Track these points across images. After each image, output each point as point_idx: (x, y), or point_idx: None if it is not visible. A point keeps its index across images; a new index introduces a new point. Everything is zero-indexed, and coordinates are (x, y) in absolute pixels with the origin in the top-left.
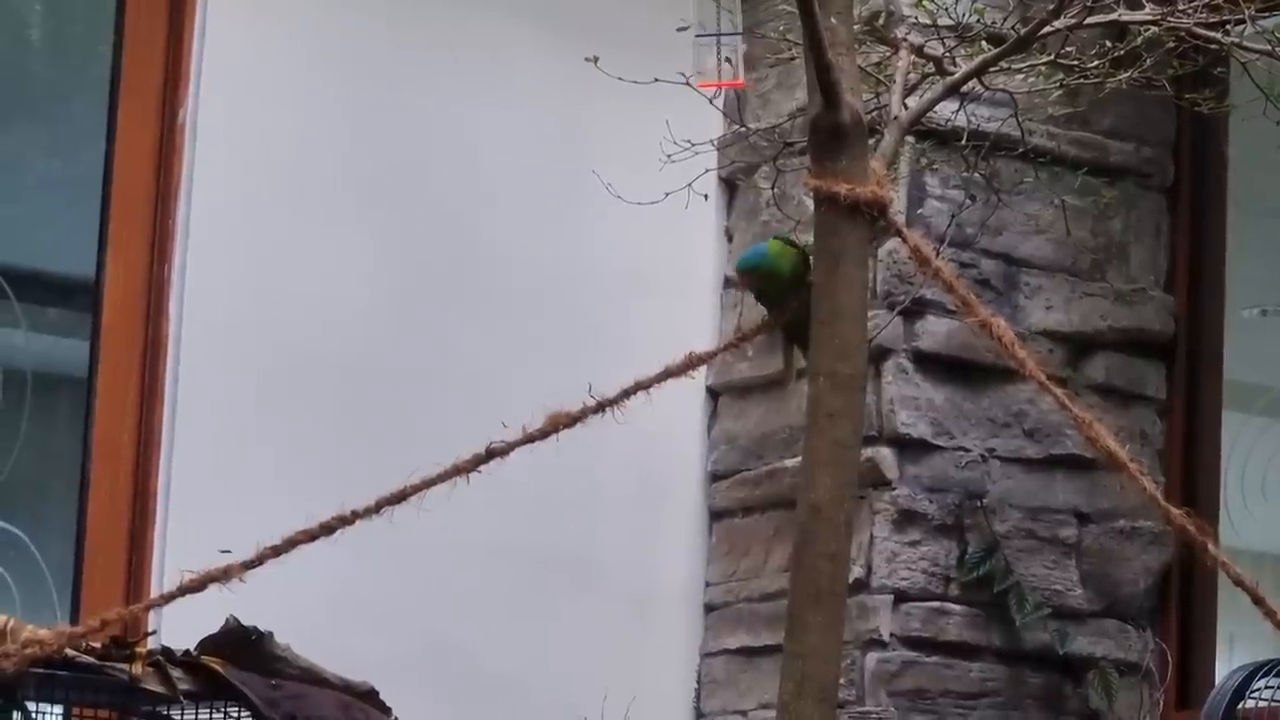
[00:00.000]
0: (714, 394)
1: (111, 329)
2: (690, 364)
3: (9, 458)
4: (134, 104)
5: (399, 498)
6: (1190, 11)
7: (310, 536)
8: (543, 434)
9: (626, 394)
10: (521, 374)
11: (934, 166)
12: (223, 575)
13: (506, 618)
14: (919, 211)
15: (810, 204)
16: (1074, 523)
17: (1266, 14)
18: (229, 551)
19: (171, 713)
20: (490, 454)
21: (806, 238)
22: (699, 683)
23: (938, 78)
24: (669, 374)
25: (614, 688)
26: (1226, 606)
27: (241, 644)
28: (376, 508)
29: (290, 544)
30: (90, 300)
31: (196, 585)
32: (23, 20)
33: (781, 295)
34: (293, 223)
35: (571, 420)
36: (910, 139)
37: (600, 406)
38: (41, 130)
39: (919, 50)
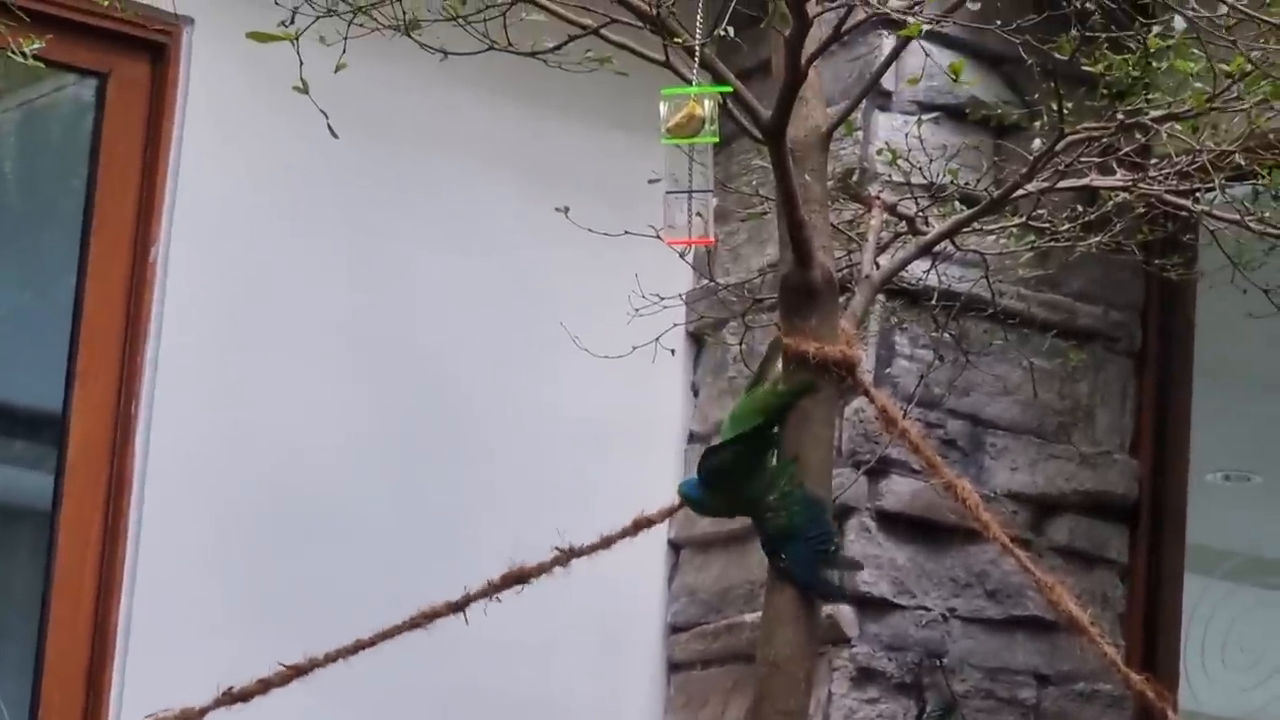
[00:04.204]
0: (675, 547)
1: (77, 464)
2: (655, 519)
3: None
4: (105, 239)
5: (366, 644)
6: (1161, 179)
7: (268, 686)
8: (507, 584)
9: (592, 548)
10: (488, 518)
11: (903, 325)
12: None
13: None
14: (887, 370)
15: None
16: (1034, 684)
17: (1236, 183)
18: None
19: None
20: (456, 606)
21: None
22: None
23: (910, 236)
24: (636, 528)
25: None
26: None
27: None
28: (339, 654)
29: (254, 690)
30: (56, 434)
31: None
32: None
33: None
34: (262, 363)
35: (537, 572)
36: (881, 297)
37: (564, 558)
38: (12, 262)
39: (892, 209)
